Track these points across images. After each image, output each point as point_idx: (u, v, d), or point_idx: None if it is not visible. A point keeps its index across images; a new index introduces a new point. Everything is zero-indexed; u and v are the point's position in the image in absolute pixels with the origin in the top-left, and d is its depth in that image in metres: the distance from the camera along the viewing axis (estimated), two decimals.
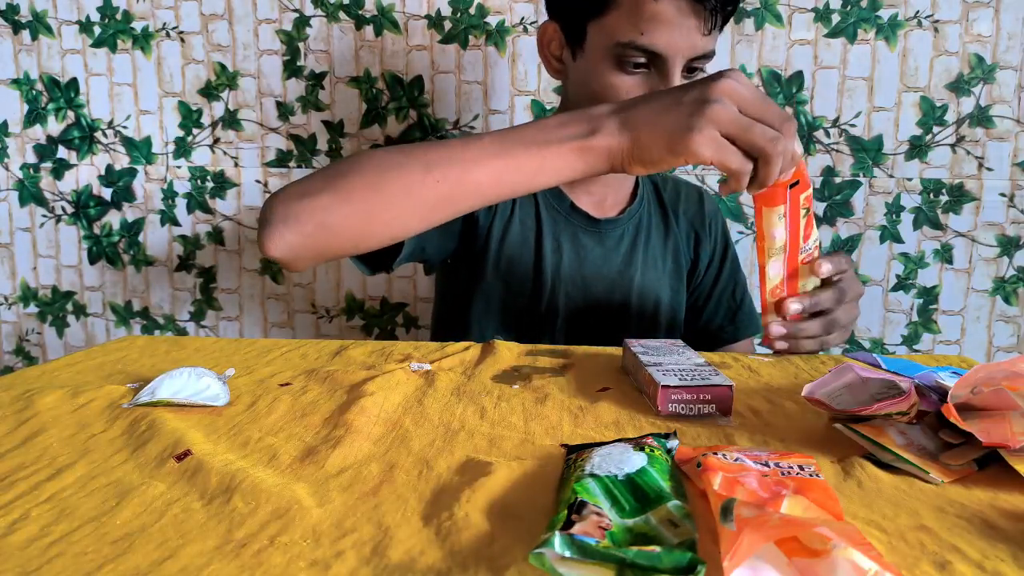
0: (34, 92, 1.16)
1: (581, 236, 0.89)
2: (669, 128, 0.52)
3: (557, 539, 0.27)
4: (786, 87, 1.09)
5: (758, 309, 0.97)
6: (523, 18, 1.09)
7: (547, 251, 0.87)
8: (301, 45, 1.12)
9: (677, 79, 0.72)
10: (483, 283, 0.87)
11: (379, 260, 0.73)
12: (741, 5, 1.07)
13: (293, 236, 0.59)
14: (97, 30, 1.14)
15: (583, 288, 0.89)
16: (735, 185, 0.54)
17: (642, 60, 0.72)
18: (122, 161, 1.18)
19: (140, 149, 1.17)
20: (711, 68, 0.69)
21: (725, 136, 0.51)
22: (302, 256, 0.61)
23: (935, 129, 1.08)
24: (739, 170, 0.52)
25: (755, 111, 0.51)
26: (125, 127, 1.17)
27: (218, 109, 1.15)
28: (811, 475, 0.35)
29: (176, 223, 1.19)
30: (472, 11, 1.10)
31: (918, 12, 1.05)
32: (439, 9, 1.10)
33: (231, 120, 1.15)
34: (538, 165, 0.56)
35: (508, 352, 0.66)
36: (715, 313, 0.97)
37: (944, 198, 1.10)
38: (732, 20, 1.07)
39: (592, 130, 0.55)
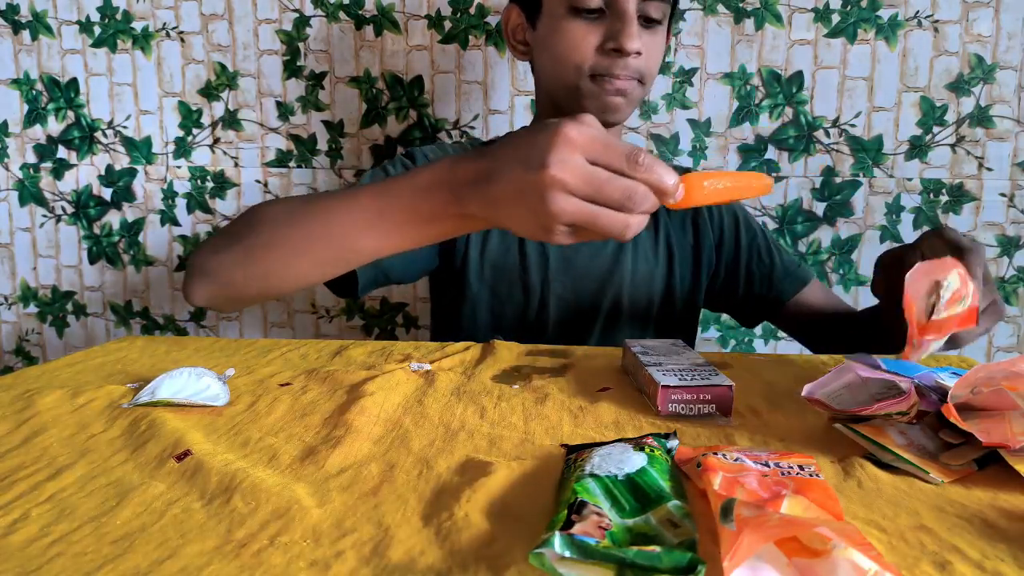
0: (34, 92, 1.16)
1: None
2: (526, 224, 0.49)
3: (557, 539, 0.27)
4: (786, 87, 1.09)
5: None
6: None
7: (531, 256, 0.86)
8: (301, 45, 1.12)
9: (633, 20, 0.75)
10: (469, 294, 0.86)
11: (344, 286, 0.72)
12: (741, 5, 1.07)
13: (208, 289, 0.64)
14: (97, 30, 1.14)
15: (573, 289, 0.88)
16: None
17: (596, 4, 0.75)
18: (122, 161, 1.18)
19: (140, 149, 1.17)
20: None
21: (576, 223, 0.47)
22: (221, 305, 0.67)
23: (935, 129, 1.08)
24: (606, 239, 0.49)
25: (593, 192, 0.46)
26: (125, 127, 1.17)
27: (218, 109, 1.15)
28: (811, 475, 0.35)
29: (176, 223, 1.19)
30: (472, 11, 1.10)
31: (918, 12, 1.05)
32: (439, 9, 1.10)
33: (231, 120, 1.15)
34: (414, 235, 0.56)
35: (508, 352, 0.66)
36: (750, 284, 0.92)
37: (944, 198, 1.10)
38: (732, 20, 1.07)
39: (456, 201, 0.52)
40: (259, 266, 0.61)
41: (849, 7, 1.06)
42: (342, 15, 1.11)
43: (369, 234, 0.56)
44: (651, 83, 0.83)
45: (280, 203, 0.64)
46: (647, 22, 0.77)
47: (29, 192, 1.19)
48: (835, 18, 1.06)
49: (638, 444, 0.38)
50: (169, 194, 1.18)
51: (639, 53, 0.76)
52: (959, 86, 1.07)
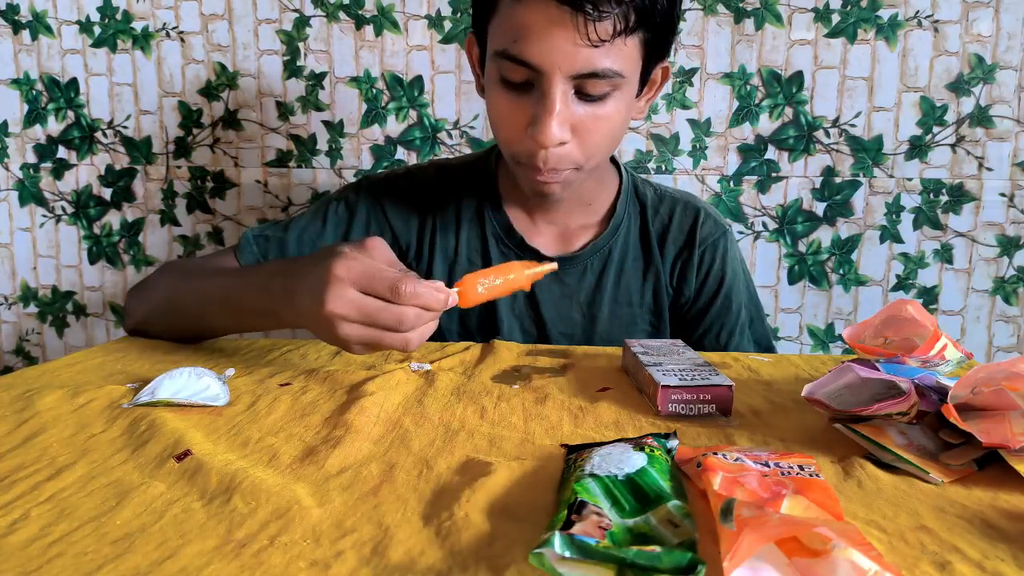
0: (34, 92, 1.16)
1: None
2: (328, 339, 0.55)
3: (557, 539, 0.27)
4: (786, 87, 1.09)
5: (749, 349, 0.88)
6: None
7: None
8: (301, 45, 1.12)
9: (556, 99, 0.63)
10: (439, 327, 0.85)
11: None
12: (740, 5, 1.07)
13: (134, 326, 0.75)
14: (97, 30, 1.14)
15: (541, 328, 0.83)
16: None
17: (522, 76, 0.64)
18: (122, 161, 1.18)
19: (140, 149, 1.17)
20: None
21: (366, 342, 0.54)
22: (150, 337, 0.74)
23: (935, 129, 1.08)
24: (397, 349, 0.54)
25: (368, 320, 0.52)
26: (125, 127, 1.17)
27: (218, 109, 1.15)
28: (811, 475, 0.35)
29: (176, 223, 1.19)
30: (471, 10, 1.10)
31: (918, 12, 1.05)
32: (439, 9, 1.10)
33: (231, 120, 1.15)
34: (250, 323, 0.68)
35: (508, 352, 0.66)
36: (701, 347, 0.84)
37: (944, 198, 1.10)
38: (732, 20, 1.07)
39: (274, 308, 0.60)
40: (157, 321, 0.72)
41: (849, 7, 1.06)
42: (342, 15, 1.11)
43: (218, 317, 0.67)
44: (603, 155, 0.72)
45: (175, 273, 0.76)
46: (586, 97, 0.65)
47: (29, 192, 1.19)
48: (835, 18, 1.06)
49: (638, 444, 0.38)
50: (169, 194, 1.18)
51: (564, 143, 0.65)
52: (959, 86, 1.07)
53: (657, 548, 0.26)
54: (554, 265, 0.59)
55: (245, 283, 0.66)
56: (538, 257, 0.81)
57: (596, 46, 0.61)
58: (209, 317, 0.68)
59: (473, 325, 0.84)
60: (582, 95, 0.65)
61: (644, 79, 0.70)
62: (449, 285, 0.66)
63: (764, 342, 0.88)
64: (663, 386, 0.48)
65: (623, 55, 0.63)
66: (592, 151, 0.69)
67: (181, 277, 0.74)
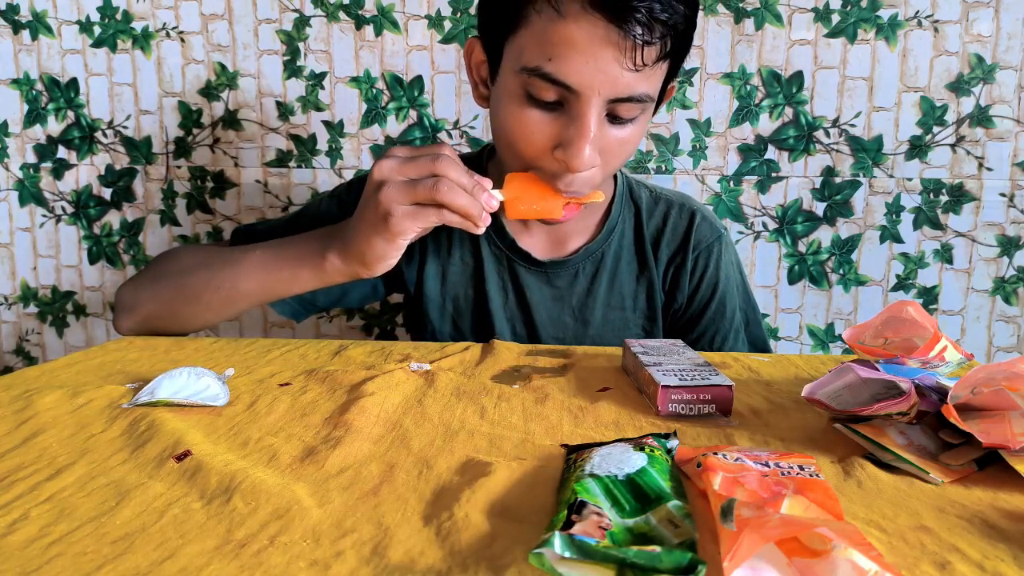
0: (34, 92, 1.16)
1: (524, 276, 0.81)
2: (372, 227, 0.60)
3: (557, 539, 0.27)
4: (786, 87, 1.09)
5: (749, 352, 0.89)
6: None
7: (491, 290, 0.82)
8: (301, 45, 1.12)
9: (592, 122, 0.61)
10: (431, 327, 0.84)
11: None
12: (740, 5, 1.07)
13: (131, 322, 0.74)
14: (97, 30, 1.14)
15: (533, 331, 0.83)
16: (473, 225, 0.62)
17: (553, 95, 0.61)
18: (122, 161, 1.18)
19: (140, 149, 1.17)
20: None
21: (406, 203, 0.59)
22: (145, 334, 0.74)
23: (935, 129, 1.08)
24: (441, 222, 0.60)
25: (408, 172, 0.59)
26: (125, 127, 1.17)
27: (218, 109, 1.15)
28: (811, 475, 0.35)
29: (176, 223, 1.19)
30: (472, 11, 1.10)
31: (918, 12, 1.05)
32: (439, 9, 1.10)
33: (231, 120, 1.15)
34: (291, 277, 0.68)
35: (508, 352, 0.66)
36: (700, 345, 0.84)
37: (944, 198, 1.10)
38: (732, 20, 1.07)
39: (320, 250, 0.66)
40: (168, 305, 0.72)
41: (849, 7, 1.06)
42: (342, 15, 1.11)
43: (255, 278, 0.69)
44: (615, 172, 0.74)
45: (188, 252, 0.76)
46: (616, 120, 0.63)
47: (29, 192, 1.19)
48: (835, 18, 1.06)
49: (638, 444, 0.38)
50: (169, 194, 1.18)
51: (594, 167, 0.64)
52: (959, 86, 1.07)
53: (657, 548, 0.26)
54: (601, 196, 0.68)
55: (292, 238, 0.70)
56: (529, 259, 0.81)
57: (638, 70, 0.59)
58: (241, 280, 0.69)
59: (466, 326, 0.84)
60: (613, 118, 0.63)
61: (660, 97, 0.69)
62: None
63: (760, 345, 0.87)
64: (663, 386, 0.48)
65: (655, 79, 0.63)
66: (610, 171, 0.69)
67: (201, 253, 0.76)
